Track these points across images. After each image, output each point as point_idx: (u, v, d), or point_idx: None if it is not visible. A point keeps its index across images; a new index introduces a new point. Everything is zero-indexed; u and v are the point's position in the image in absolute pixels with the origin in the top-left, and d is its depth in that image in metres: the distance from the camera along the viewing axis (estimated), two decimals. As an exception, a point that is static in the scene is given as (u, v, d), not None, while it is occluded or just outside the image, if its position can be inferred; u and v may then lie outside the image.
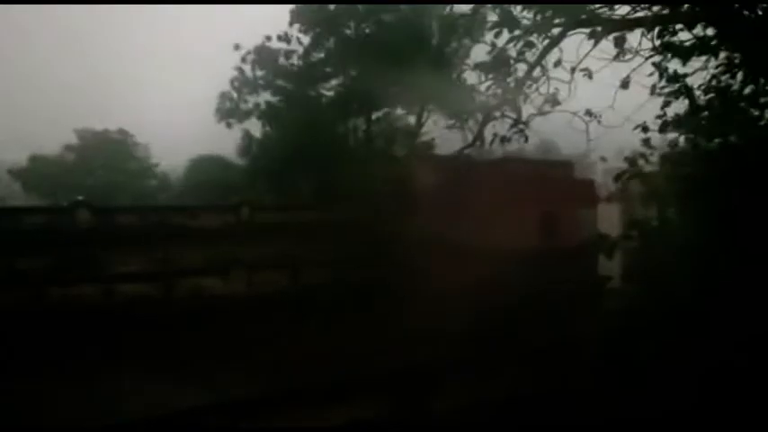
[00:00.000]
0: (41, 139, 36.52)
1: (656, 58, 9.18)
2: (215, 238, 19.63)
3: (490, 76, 10.85)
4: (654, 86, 9.07)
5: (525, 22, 10.29)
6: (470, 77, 12.43)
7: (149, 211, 21.10)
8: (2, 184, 39.78)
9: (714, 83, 8.77)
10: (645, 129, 9.20)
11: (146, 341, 15.93)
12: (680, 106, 9.04)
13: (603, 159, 12.41)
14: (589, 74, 10.04)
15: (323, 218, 21.22)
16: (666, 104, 8.81)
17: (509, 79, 11.07)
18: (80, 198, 19.57)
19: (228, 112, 26.08)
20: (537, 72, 10.68)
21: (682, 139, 9.30)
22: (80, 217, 18.17)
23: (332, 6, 24.28)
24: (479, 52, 11.34)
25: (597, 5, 9.45)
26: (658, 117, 8.85)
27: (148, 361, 14.76)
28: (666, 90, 8.75)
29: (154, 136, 38.62)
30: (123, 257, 18.10)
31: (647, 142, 9.23)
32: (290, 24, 25.01)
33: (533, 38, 10.11)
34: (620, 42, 9.47)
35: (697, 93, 8.88)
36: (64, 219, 18.12)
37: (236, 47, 25.46)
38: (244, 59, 25.59)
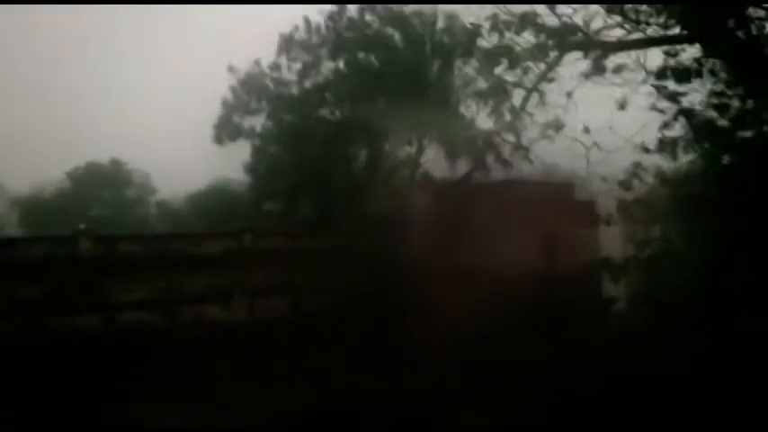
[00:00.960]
0: (41, 170, 36.85)
1: (654, 80, 9.28)
2: (217, 264, 19.60)
3: (488, 102, 10.96)
4: (653, 104, 9.15)
5: (518, 48, 10.43)
6: (469, 104, 12.56)
7: (151, 238, 21.10)
8: (5, 215, 39.96)
9: (713, 100, 8.85)
10: (645, 149, 9.25)
11: (147, 369, 15.84)
12: (679, 126, 9.11)
13: (604, 180, 12.46)
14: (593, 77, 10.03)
15: (325, 244, 21.20)
16: (666, 125, 8.88)
17: (507, 104, 11.16)
18: (82, 227, 19.59)
19: (223, 131, 26.19)
20: (534, 97, 10.79)
21: (682, 158, 9.36)
22: (82, 246, 18.18)
23: (318, 37, 24.73)
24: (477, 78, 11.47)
25: (592, 29, 9.58)
26: (659, 139, 8.91)
27: (150, 388, 14.66)
28: (665, 108, 8.82)
29: (153, 164, 38.78)
30: (125, 285, 18.07)
31: (638, 166, 9.29)
32: (278, 54, 25.36)
33: (530, 63, 10.24)
34: (619, 68, 9.54)
35: (695, 111, 8.96)
36: (65, 247, 18.11)
37: (230, 69, 25.75)
38: (237, 82, 25.83)
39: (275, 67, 25.61)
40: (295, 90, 25.44)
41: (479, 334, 18.32)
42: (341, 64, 24.49)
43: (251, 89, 25.81)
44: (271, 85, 25.71)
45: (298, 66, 25.40)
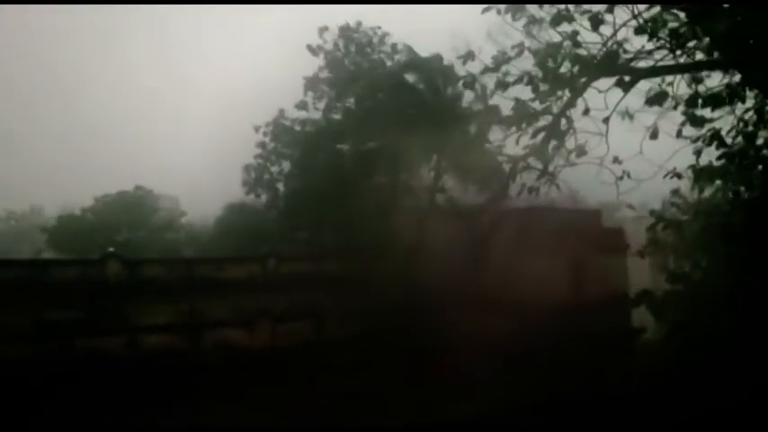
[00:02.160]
0: (69, 197, 37.67)
1: (685, 107, 9.15)
2: (241, 289, 19.66)
3: (513, 129, 10.91)
4: (680, 130, 9.00)
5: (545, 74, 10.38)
6: (496, 131, 12.52)
7: (176, 262, 21.28)
8: (35, 242, 40.77)
9: (742, 127, 8.69)
10: (678, 176, 9.09)
11: (171, 393, 15.85)
12: (711, 153, 8.95)
13: (632, 207, 12.27)
14: (628, 115, 9.96)
15: (349, 269, 21.15)
16: (698, 153, 8.72)
17: (533, 130, 11.09)
18: (111, 250, 19.88)
19: (254, 182, 26.70)
20: (563, 123, 10.70)
21: (714, 186, 9.17)
22: (110, 269, 18.41)
23: (344, 70, 25.13)
24: (505, 105, 11.45)
25: (622, 59, 9.49)
26: (691, 167, 8.74)
27: (174, 413, 14.65)
28: (696, 136, 8.68)
29: (181, 188, 39.41)
30: (150, 308, 18.19)
31: (676, 192, 9.11)
32: (305, 92, 25.78)
33: (558, 91, 10.17)
34: (656, 99, 9.36)
35: (726, 138, 8.80)
36: (94, 271, 18.37)
37: (256, 128, 26.34)
38: (264, 133, 26.35)
39: (302, 105, 26.05)
40: (320, 125, 25.79)
41: (504, 362, 18.04)
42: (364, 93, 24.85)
43: (278, 137, 26.22)
44: (297, 127, 26.13)
45: (322, 103, 25.84)
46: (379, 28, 26.04)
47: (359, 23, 25.87)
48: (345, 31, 25.75)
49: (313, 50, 25.56)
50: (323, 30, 25.52)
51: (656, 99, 9.26)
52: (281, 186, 26.65)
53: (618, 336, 20.23)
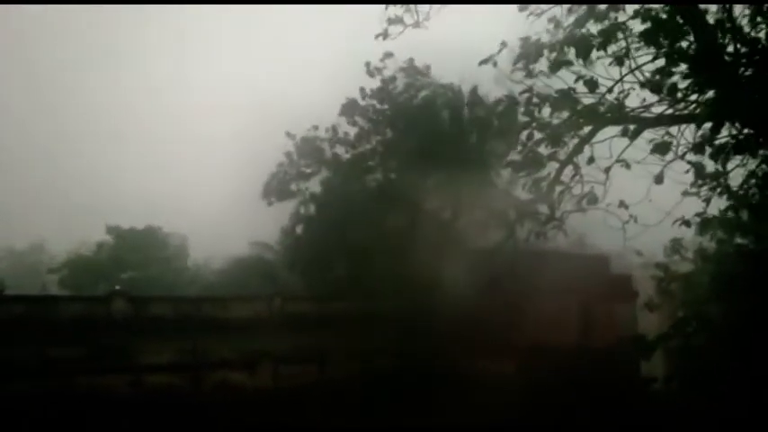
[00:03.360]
0: (79, 234, 37.93)
1: (692, 156, 9.19)
2: (245, 329, 19.55)
3: (522, 174, 10.97)
4: (691, 185, 9.01)
5: (555, 121, 10.51)
6: (505, 175, 12.60)
7: (181, 301, 21.25)
8: (35, 280, 40.77)
9: (753, 181, 8.69)
10: (686, 223, 9.07)
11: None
12: (720, 202, 8.95)
13: (639, 254, 12.21)
14: (627, 165, 10.00)
15: (355, 309, 21.03)
16: (707, 201, 8.72)
17: (540, 176, 11.14)
18: (117, 288, 19.94)
19: (274, 191, 26.65)
20: (569, 169, 10.77)
21: (720, 236, 9.14)
22: (116, 306, 18.41)
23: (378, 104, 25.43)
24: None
25: (629, 109, 9.61)
26: (698, 215, 8.74)
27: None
28: (704, 188, 8.69)
29: (191, 226, 39.61)
30: (153, 347, 18.09)
31: (677, 242, 9.09)
32: (340, 115, 25.66)
33: (564, 138, 10.28)
34: (661, 148, 9.38)
35: (735, 188, 8.81)
36: (100, 308, 18.38)
37: (288, 134, 26.28)
38: (296, 143, 26.38)
39: (333, 130, 26.11)
40: (348, 155, 25.91)
41: (511, 406, 17.73)
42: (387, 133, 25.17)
43: (306, 153, 26.38)
44: (327, 149, 26.24)
45: (354, 131, 25.88)
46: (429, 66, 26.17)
47: (411, 60, 26.08)
48: (406, 70, 25.85)
49: (371, 73, 25.26)
50: (387, 55, 24.87)
51: (661, 148, 9.33)
52: (300, 203, 26.62)
53: (626, 385, 19.87)
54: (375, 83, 25.52)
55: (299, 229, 26.67)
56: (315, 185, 26.37)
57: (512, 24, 10.48)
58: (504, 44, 10.33)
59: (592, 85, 9.28)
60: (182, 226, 38.66)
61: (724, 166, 8.63)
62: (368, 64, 24.98)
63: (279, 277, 26.20)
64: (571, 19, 9.63)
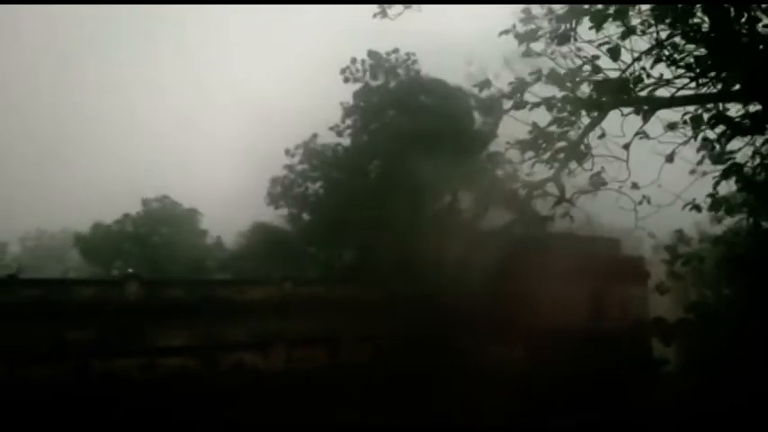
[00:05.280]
0: (105, 208, 38.38)
1: (704, 135, 9.04)
2: (257, 311, 19.70)
3: (531, 154, 10.81)
4: (699, 162, 8.88)
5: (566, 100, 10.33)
6: (513, 155, 12.41)
7: (194, 284, 21.45)
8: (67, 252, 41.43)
9: (762, 159, 8.55)
10: (696, 207, 8.95)
11: (185, 415, 15.86)
12: (731, 183, 8.81)
13: (652, 236, 12.07)
14: (646, 135, 9.81)
15: (365, 293, 21.10)
16: (717, 183, 8.58)
17: (548, 156, 10.99)
18: (130, 271, 20.11)
19: (278, 196, 27.12)
20: (581, 149, 10.61)
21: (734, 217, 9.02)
22: (129, 289, 18.60)
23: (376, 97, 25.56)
24: (522, 130, 11.36)
25: (642, 86, 9.41)
26: (710, 195, 8.61)
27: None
28: (716, 168, 8.55)
29: (206, 203, 39.78)
30: (169, 330, 18.29)
31: (681, 233, 8.98)
32: (343, 120, 26.38)
33: (573, 117, 10.12)
34: (675, 125, 9.26)
35: (746, 169, 8.66)
36: (114, 291, 18.58)
37: (287, 152, 26.86)
38: (292, 154, 26.92)
39: (336, 128, 26.55)
40: (348, 149, 26.25)
41: (521, 389, 17.75)
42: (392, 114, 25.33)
43: (308, 159, 26.72)
44: (328, 153, 26.62)
45: (352, 128, 26.40)
46: (414, 54, 26.44)
47: (396, 50, 26.31)
48: (375, 57, 26.20)
49: (348, 77, 26.12)
50: (353, 61, 26.10)
51: (675, 125, 9.19)
52: (305, 203, 26.90)
53: (637, 366, 19.80)
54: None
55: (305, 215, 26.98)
56: (316, 187, 26.83)
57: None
58: (523, 13, 10.01)
59: (615, 53, 9.02)
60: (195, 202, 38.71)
61: (724, 142, 8.47)
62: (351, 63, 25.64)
63: (292, 258, 26.36)
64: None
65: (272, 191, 27.15)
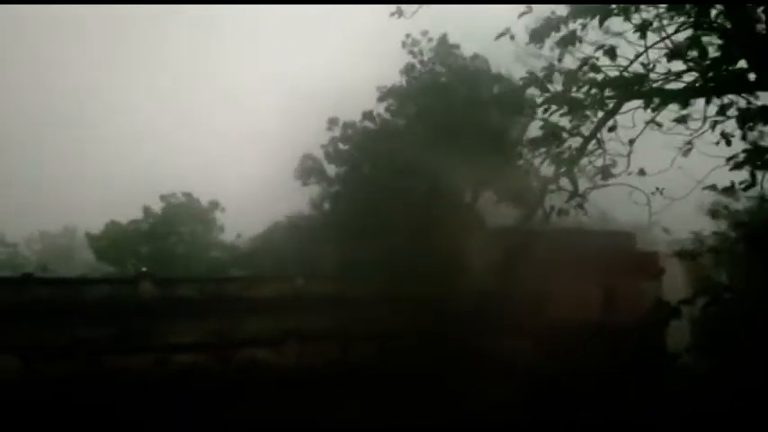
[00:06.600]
0: (120, 206, 38.43)
1: (721, 127, 8.95)
2: (270, 308, 19.74)
3: (542, 150, 10.75)
4: (728, 142, 8.74)
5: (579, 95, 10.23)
6: (527, 152, 12.33)
7: (207, 281, 21.55)
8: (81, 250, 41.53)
9: None
10: (715, 188, 8.85)
11: (200, 412, 15.95)
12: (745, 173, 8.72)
13: (666, 231, 11.96)
14: (658, 125, 9.72)
15: (378, 290, 21.05)
16: (736, 167, 8.48)
17: (560, 151, 10.91)
18: (144, 269, 20.25)
19: (309, 171, 27.02)
20: (593, 144, 10.53)
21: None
22: (143, 288, 18.72)
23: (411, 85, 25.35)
24: (534, 126, 11.30)
25: (655, 78, 9.32)
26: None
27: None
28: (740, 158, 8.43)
29: (227, 200, 39.70)
30: (182, 328, 18.40)
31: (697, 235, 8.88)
32: (379, 101, 25.94)
33: (587, 112, 10.03)
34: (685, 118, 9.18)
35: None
36: (127, 289, 18.70)
37: (331, 121, 26.38)
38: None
39: (369, 116, 26.24)
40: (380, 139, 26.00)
41: (534, 386, 17.69)
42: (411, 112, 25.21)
43: (346, 140, 26.49)
44: (361, 138, 26.33)
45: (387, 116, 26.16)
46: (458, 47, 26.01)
47: (444, 35, 25.84)
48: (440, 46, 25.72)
49: (413, 53, 25.64)
50: (424, 34, 25.48)
51: (685, 119, 9.10)
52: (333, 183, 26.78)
53: (651, 361, 19.64)
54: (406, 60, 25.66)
55: (326, 205, 26.88)
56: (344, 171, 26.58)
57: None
58: (527, 10, 9.93)
59: (611, 53, 8.99)
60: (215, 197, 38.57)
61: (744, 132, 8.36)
62: (406, 38, 25.10)
63: (307, 254, 26.31)
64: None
65: (303, 164, 26.97)
